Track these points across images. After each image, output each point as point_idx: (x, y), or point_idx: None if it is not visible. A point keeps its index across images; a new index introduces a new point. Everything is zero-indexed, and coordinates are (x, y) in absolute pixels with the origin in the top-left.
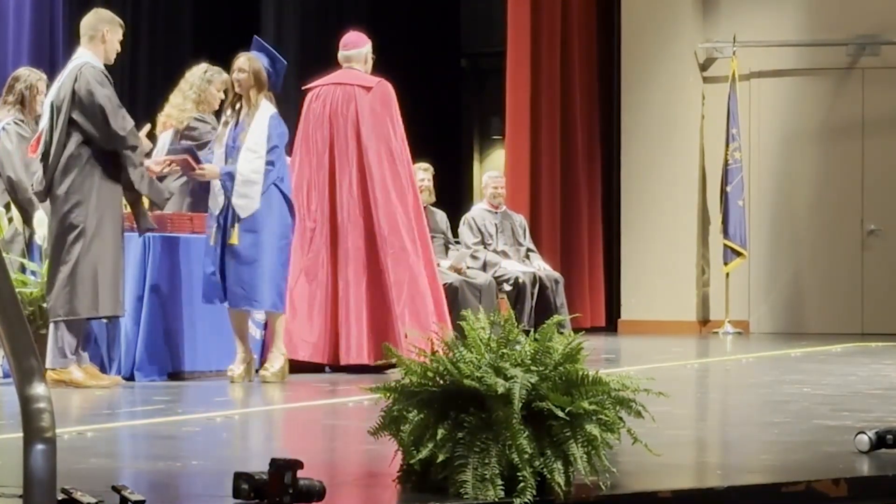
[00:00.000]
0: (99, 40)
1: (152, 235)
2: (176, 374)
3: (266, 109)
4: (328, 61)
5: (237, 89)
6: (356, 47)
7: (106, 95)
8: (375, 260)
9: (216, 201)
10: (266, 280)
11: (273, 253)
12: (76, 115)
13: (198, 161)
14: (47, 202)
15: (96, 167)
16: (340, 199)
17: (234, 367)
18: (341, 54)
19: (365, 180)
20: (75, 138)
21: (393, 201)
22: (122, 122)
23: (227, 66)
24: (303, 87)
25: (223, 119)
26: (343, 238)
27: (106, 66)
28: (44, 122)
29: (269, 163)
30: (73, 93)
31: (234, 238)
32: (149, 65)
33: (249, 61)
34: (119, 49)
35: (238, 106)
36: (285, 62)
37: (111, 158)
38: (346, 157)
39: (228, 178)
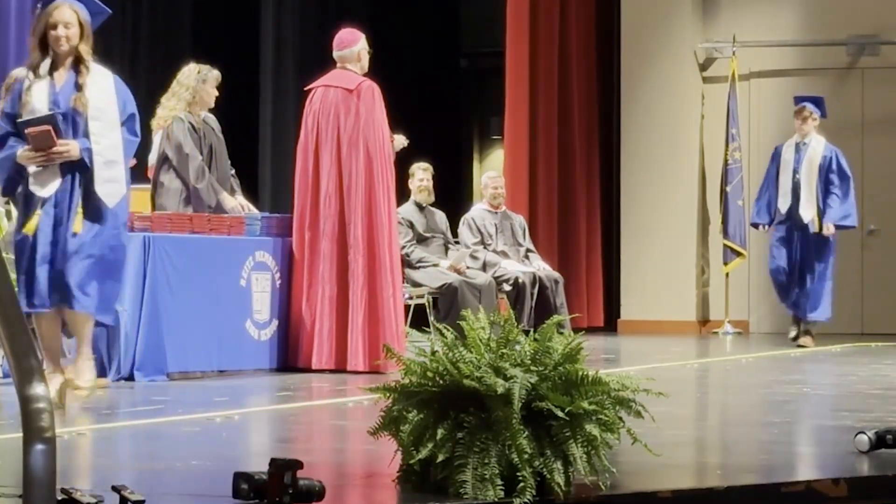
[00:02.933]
0: None
1: (152, 235)
2: (176, 374)
3: (102, 71)
4: (327, 61)
5: (58, 47)
6: (347, 47)
7: None
8: (344, 265)
9: (46, 183)
10: (106, 279)
11: (114, 249)
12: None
13: (59, 134)
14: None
15: None
16: (322, 202)
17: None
18: (335, 54)
19: (341, 184)
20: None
21: (365, 207)
22: None
23: (223, 67)
24: (304, 88)
25: (34, 74)
26: (322, 241)
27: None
28: None
29: (132, 132)
30: None
31: (78, 225)
32: (148, 65)
33: (76, 14)
34: None
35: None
36: (109, 11)
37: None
38: (328, 160)
39: (88, 154)
